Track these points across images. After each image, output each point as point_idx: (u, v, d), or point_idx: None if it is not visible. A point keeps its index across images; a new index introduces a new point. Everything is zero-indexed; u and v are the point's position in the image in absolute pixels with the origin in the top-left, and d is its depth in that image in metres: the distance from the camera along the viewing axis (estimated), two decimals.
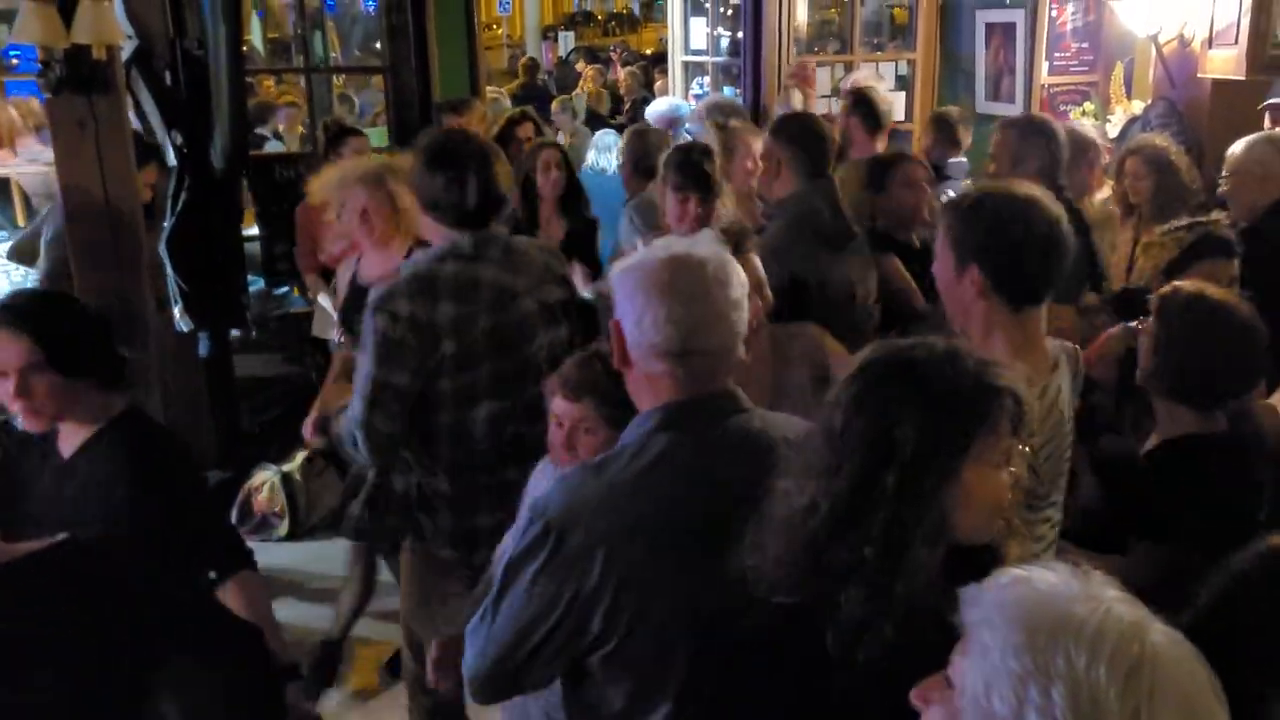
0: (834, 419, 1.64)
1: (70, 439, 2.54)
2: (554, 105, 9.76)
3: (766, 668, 1.67)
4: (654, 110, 7.13)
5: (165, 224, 5.16)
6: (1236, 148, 4.14)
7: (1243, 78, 5.41)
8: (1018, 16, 6.84)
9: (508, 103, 9.37)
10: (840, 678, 1.57)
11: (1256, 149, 4.09)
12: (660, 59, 12.51)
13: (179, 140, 5.11)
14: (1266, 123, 4.89)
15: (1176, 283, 2.91)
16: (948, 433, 1.58)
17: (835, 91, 7.63)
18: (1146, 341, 2.78)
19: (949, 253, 2.25)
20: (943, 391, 1.59)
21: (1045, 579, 1.21)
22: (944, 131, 5.40)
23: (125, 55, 4.82)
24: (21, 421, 2.48)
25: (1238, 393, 2.74)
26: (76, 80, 4.27)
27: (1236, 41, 5.41)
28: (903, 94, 7.43)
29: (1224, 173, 4.18)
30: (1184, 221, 4.00)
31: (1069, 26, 6.81)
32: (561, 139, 8.86)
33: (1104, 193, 5.22)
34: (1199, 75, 5.64)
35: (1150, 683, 1.11)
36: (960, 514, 1.60)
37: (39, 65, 4.32)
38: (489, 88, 11.39)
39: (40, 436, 2.55)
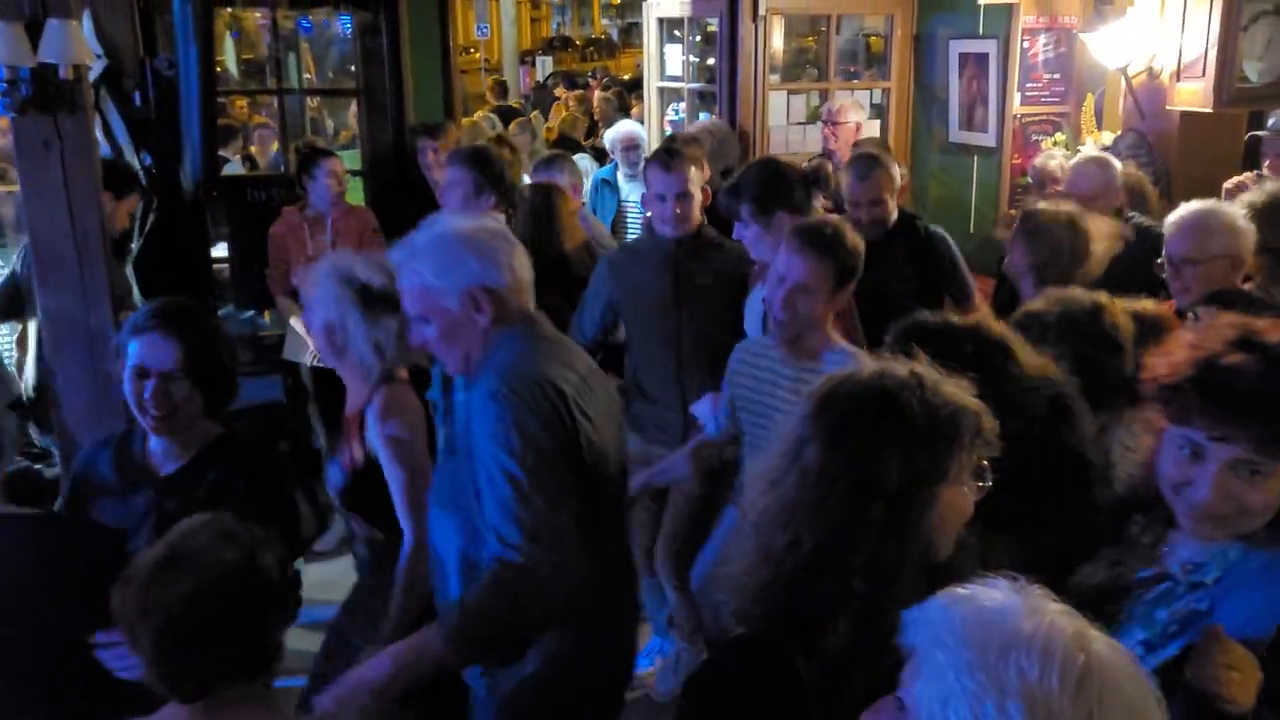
0: (808, 454, 1.64)
1: (171, 455, 2.63)
2: (511, 126, 9.73)
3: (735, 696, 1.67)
4: (615, 133, 7.13)
5: (133, 245, 5.12)
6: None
7: (1210, 110, 5.46)
8: (990, 47, 6.88)
9: (490, 127, 9.40)
10: (819, 707, 1.57)
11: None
12: (638, 84, 12.56)
13: (148, 161, 5.09)
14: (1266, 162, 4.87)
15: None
16: (931, 461, 1.60)
17: (812, 119, 7.68)
18: None
19: None
20: (922, 421, 1.61)
21: (989, 596, 1.23)
22: None
23: (94, 75, 4.79)
24: (149, 425, 2.57)
25: None
26: (43, 100, 4.22)
27: (1204, 75, 5.45)
28: (877, 122, 7.46)
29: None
30: None
31: (1040, 58, 6.86)
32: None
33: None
34: (1168, 107, 5.69)
35: (1099, 689, 1.14)
36: (936, 535, 1.63)
37: (4, 84, 4.28)
38: (480, 112, 11.44)
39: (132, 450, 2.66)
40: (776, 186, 3.80)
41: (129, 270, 5.04)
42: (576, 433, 2.36)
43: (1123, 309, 2.70)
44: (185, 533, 1.99)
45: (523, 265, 2.46)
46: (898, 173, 4.64)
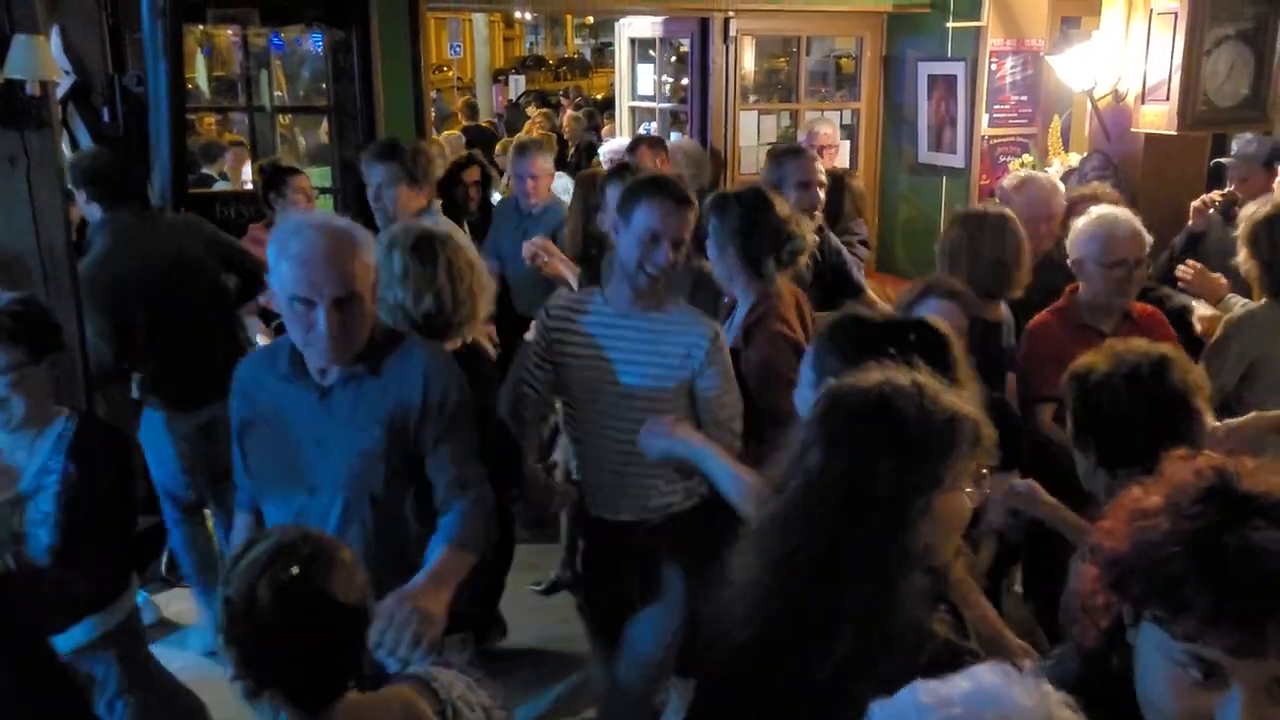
0: (810, 460, 1.66)
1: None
2: (498, 148, 9.77)
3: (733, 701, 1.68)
4: (609, 148, 7.19)
5: None
6: None
7: (1174, 133, 5.53)
8: (959, 69, 6.95)
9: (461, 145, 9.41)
10: (820, 715, 1.57)
11: None
12: (611, 104, 12.60)
13: None
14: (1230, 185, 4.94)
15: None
16: (926, 469, 1.62)
17: (782, 138, 7.73)
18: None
19: None
20: (918, 430, 1.62)
21: (989, 679, 1.15)
22: None
23: (62, 91, 4.76)
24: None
25: None
26: (9, 115, 4.18)
27: (1168, 98, 5.53)
28: (848, 143, 7.51)
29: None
30: None
31: (1008, 80, 6.94)
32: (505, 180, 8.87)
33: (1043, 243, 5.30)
34: (1133, 130, 5.76)
35: None
36: (934, 540, 1.64)
37: None
38: (449, 132, 11.43)
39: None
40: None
41: None
42: None
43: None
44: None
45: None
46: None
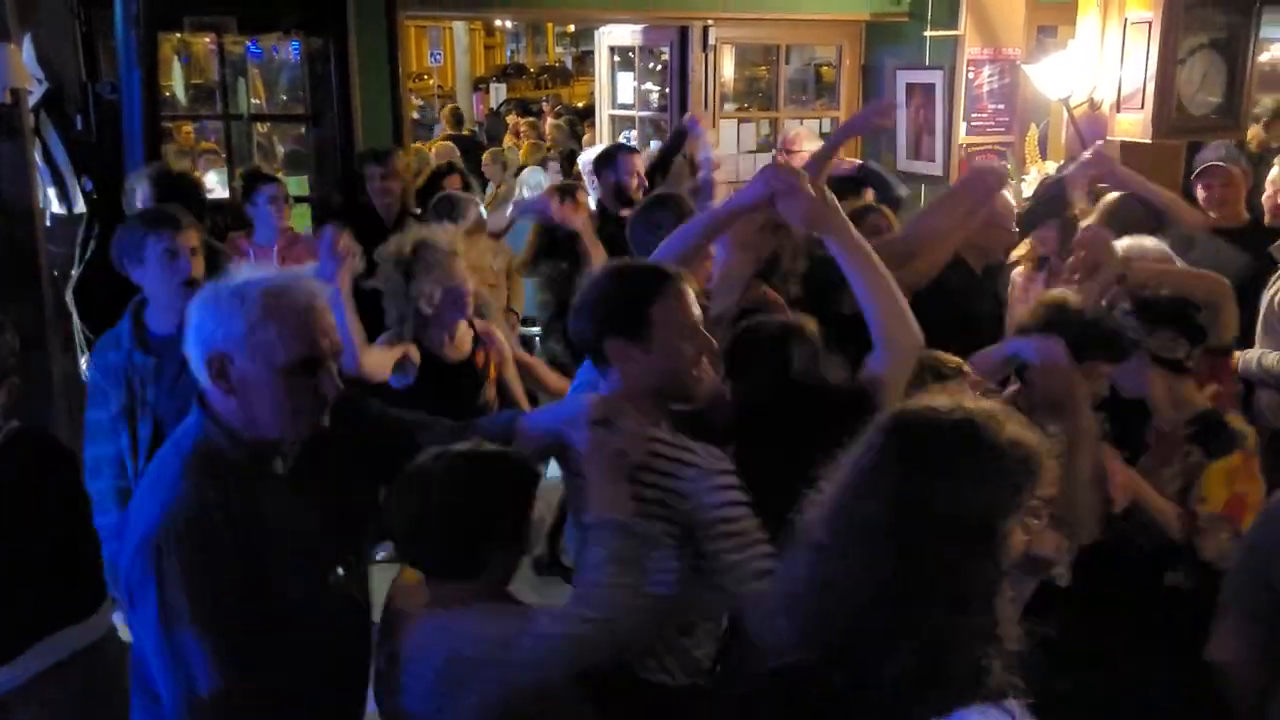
0: (885, 483, 1.63)
1: None
2: (485, 157, 9.77)
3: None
4: (588, 156, 7.17)
5: (73, 271, 5.05)
6: None
7: (1149, 140, 5.57)
8: (937, 78, 6.98)
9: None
10: None
11: None
12: (592, 112, 12.59)
13: (89, 186, 5.02)
14: (1199, 191, 4.95)
15: None
16: (1009, 497, 1.61)
17: (762, 148, 7.75)
18: None
19: None
20: (1008, 457, 1.62)
21: None
22: None
23: (34, 99, 4.73)
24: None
25: None
26: None
27: (1143, 106, 5.56)
28: None
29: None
30: None
31: (985, 89, 6.97)
32: (490, 190, 8.88)
33: (1020, 249, 5.32)
34: (1108, 138, 5.79)
35: None
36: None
37: None
38: (435, 143, 11.42)
39: None
40: None
41: (68, 296, 4.96)
42: None
43: None
44: None
45: None
46: None
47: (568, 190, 5.39)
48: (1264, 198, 4.94)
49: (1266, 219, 4.85)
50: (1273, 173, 4.97)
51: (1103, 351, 2.98)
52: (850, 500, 1.67)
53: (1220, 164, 4.81)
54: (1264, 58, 6.88)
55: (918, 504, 1.59)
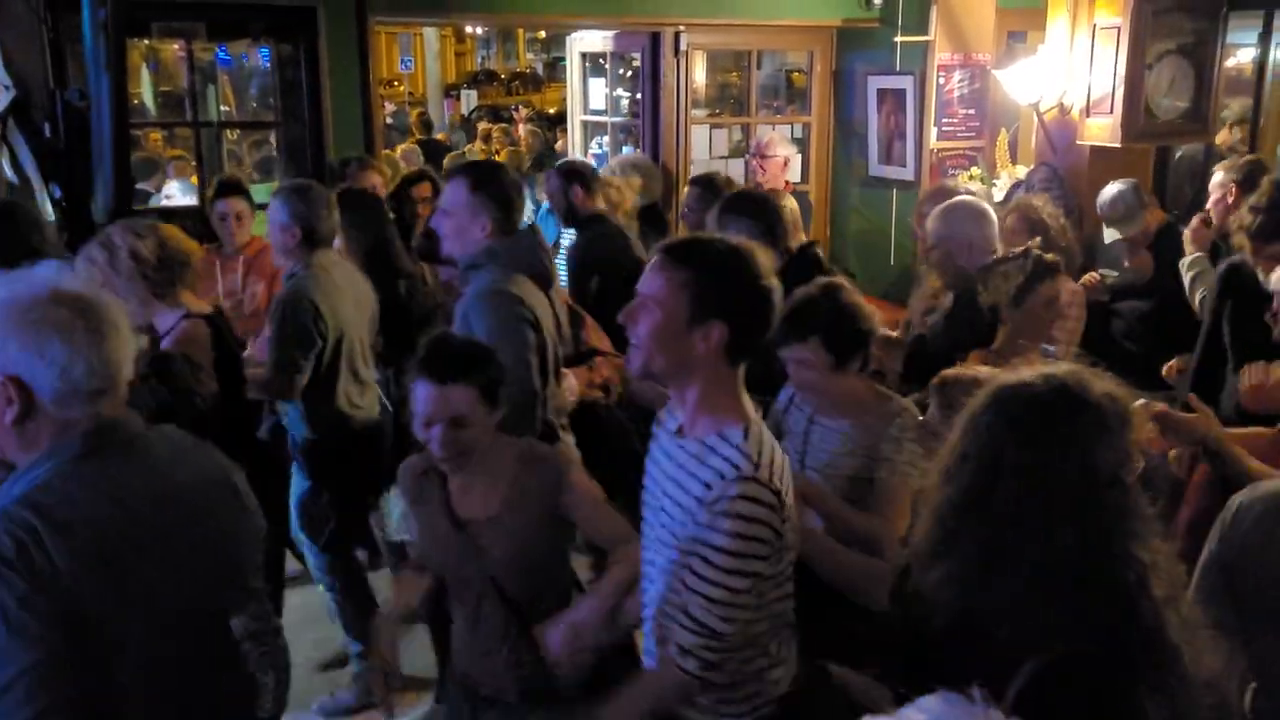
0: (1009, 457, 1.75)
1: None
2: (446, 160, 9.72)
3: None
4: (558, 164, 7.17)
5: None
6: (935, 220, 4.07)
7: (1119, 145, 5.62)
8: (907, 83, 7.01)
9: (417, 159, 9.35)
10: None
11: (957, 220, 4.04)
12: (562, 118, 12.59)
13: (58, 194, 4.96)
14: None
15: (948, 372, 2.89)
16: (1124, 447, 1.77)
17: (734, 153, 7.76)
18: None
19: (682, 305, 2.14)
20: (1111, 413, 1.77)
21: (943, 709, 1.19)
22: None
23: (1, 106, 4.67)
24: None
25: None
26: None
27: (1112, 111, 5.62)
28: (799, 156, 7.55)
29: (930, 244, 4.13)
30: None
31: (956, 94, 7.01)
32: None
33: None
34: (1078, 142, 5.84)
35: None
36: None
37: None
38: (403, 146, 11.37)
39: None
40: None
41: None
42: None
43: None
44: None
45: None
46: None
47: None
48: (1211, 201, 5.00)
49: (1215, 220, 4.91)
50: (1217, 177, 5.03)
51: None
52: (972, 489, 1.78)
53: None
54: (1230, 63, 6.96)
55: (1058, 471, 1.72)
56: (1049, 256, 3.93)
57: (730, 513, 2.08)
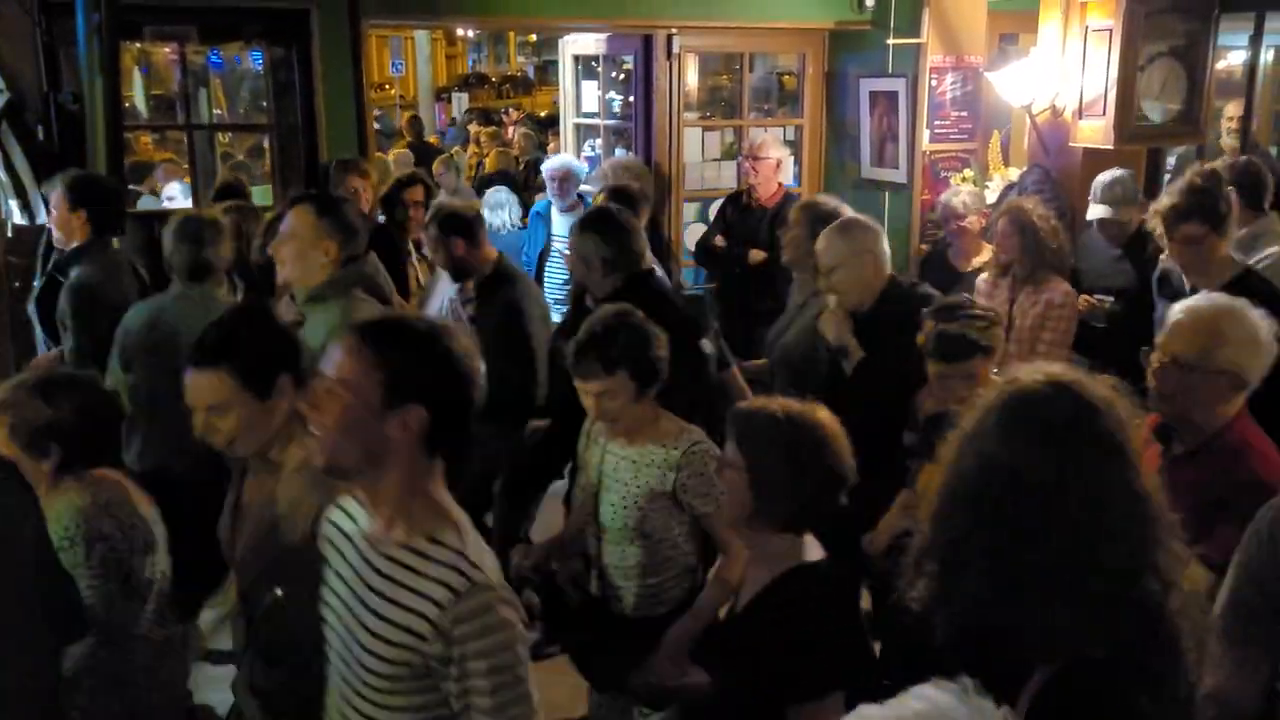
0: (1049, 472, 1.70)
1: None
2: (435, 165, 9.72)
3: None
4: (549, 165, 7.18)
5: (35, 282, 4.98)
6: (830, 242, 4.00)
7: (1111, 147, 5.64)
8: (900, 86, 7.03)
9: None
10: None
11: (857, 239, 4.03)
12: (554, 121, 12.61)
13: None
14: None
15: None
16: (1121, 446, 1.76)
17: (726, 155, 7.77)
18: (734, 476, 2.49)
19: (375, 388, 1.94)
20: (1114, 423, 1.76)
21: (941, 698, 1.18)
22: None
23: None
24: None
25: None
26: None
27: (1104, 113, 5.64)
28: (792, 158, 7.56)
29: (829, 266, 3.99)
30: None
31: (948, 96, 7.02)
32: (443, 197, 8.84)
33: (983, 256, 5.38)
34: (1070, 144, 5.86)
35: None
36: None
37: None
38: (395, 150, 11.39)
39: None
40: None
41: (30, 307, 4.89)
42: None
43: None
44: None
45: None
46: None
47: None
48: None
49: None
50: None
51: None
52: (998, 498, 1.72)
53: None
54: (1220, 65, 6.99)
55: (1083, 480, 1.69)
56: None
57: (481, 631, 1.85)
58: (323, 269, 3.42)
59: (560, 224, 6.78)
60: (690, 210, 7.64)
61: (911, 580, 1.81)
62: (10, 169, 4.94)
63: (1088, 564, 1.66)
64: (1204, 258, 3.94)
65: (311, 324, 3.41)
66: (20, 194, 5.01)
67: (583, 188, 7.02)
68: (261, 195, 6.54)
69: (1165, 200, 3.99)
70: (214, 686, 3.30)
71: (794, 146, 7.67)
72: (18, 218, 5.09)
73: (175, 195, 7.57)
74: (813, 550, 2.45)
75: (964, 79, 7.03)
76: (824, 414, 2.45)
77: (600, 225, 4.08)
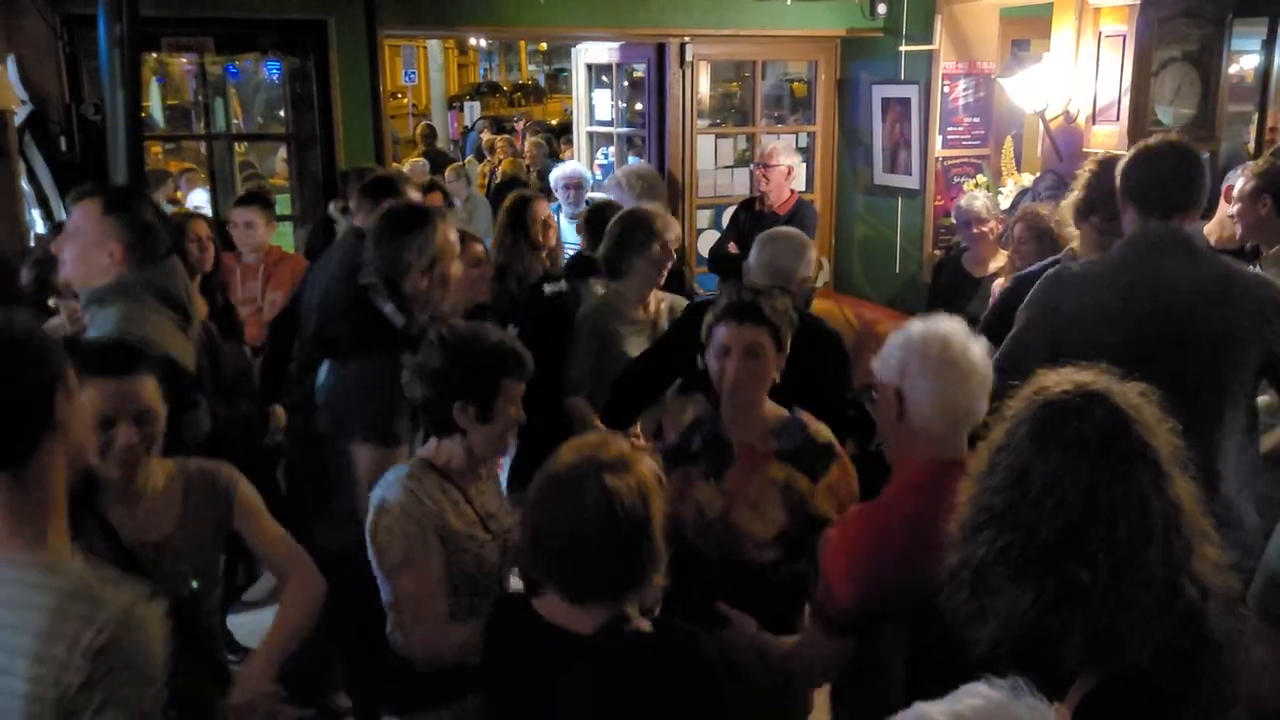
0: (1114, 495, 1.70)
1: None
2: (447, 172, 9.75)
3: None
4: (560, 172, 7.21)
5: None
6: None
7: (1125, 152, 5.63)
8: (912, 92, 7.05)
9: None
10: None
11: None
12: (565, 129, 12.66)
13: None
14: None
15: None
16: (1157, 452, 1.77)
17: (739, 162, 7.80)
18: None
19: None
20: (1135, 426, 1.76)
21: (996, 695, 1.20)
22: None
23: (19, 120, 4.72)
24: None
25: None
26: None
27: (1118, 118, 5.66)
28: (804, 165, 7.58)
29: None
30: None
31: (961, 102, 7.05)
32: (457, 205, 8.89)
33: (998, 261, 5.40)
34: (1084, 149, 5.87)
35: None
36: None
37: None
38: (410, 158, 11.42)
39: None
40: None
41: None
42: None
43: None
44: None
45: None
46: None
47: None
48: (1236, 209, 4.67)
49: (1240, 235, 4.43)
50: (1241, 185, 4.38)
51: None
52: (1037, 496, 1.72)
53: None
54: (1233, 69, 6.99)
55: (1125, 495, 1.69)
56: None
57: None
58: (105, 271, 3.05)
59: (569, 230, 6.82)
60: (703, 217, 7.68)
61: (950, 593, 1.81)
62: (33, 179, 4.99)
63: (1130, 573, 1.66)
64: None
65: (91, 329, 3.09)
66: (43, 204, 5.06)
67: (593, 194, 7.06)
68: (282, 204, 6.58)
69: (1078, 194, 4.01)
70: None
71: (807, 153, 7.70)
72: (40, 227, 5.14)
73: (201, 204, 7.63)
74: None
75: (976, 85, 7.06)
76: None
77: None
